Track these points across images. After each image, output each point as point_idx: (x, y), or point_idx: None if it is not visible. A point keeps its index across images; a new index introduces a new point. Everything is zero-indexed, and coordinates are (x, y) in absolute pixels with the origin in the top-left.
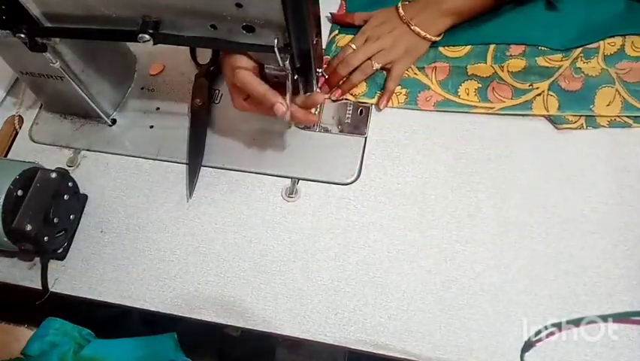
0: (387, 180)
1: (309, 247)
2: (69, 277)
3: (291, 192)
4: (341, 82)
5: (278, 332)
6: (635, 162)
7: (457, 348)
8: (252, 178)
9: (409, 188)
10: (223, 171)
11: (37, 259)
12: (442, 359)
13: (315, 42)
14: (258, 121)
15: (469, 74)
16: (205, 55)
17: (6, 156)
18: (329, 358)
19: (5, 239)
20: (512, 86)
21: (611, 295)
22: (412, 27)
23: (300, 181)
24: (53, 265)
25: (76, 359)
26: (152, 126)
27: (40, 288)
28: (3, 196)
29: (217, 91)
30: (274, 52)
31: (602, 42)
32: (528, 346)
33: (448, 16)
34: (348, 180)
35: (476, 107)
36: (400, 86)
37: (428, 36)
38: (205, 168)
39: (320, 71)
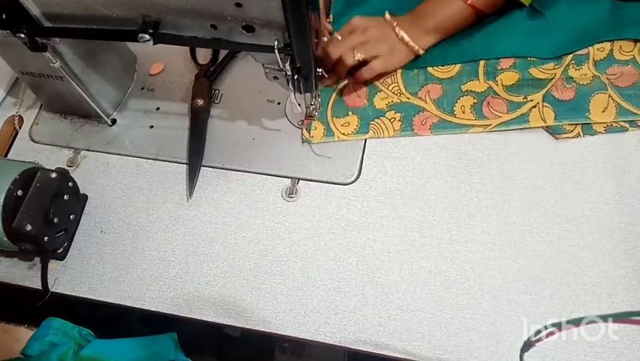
0: (387, 180)
1: (309, 247)
2: (69, 277)
3: (291, 192)
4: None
5: (278, 332)
6: (635, 162)
7: (457, 348)
8: (252, 178)
9: (409, 188)
10: (223, 171)
11: (37, 259)
12: (442, 359)
13: (315, 42)
14: (258, 121)
15: (463, 91)
16: (205, 55)
17: (6, 156)
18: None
19: (5, 239)
20: (507, 100)
21: (611, 295)
22: (397, 31)
23: (300, 181)
24: (53, 265)
25: (76, 359)
26: (152, 126)
27: (40, 288)
28: (3, 196)
29: (217, 91)
30: (274, 52)
31: (591, 48)
32: (528, 346)
33: (432, 33)
34: (348, 180)
35: (473, 126)
36: (393, 111)
37: (411, 43)
38: (205, 168)
39: (320, 70)
